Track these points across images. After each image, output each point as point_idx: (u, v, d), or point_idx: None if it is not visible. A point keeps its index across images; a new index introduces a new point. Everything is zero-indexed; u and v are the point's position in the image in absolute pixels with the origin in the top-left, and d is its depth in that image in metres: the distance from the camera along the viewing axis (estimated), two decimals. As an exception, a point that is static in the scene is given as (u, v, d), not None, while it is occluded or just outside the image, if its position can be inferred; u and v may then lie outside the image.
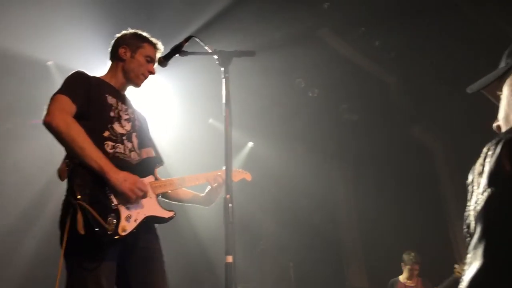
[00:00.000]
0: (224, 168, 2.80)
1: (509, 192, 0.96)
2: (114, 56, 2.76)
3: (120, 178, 2.31)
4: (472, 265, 0.99)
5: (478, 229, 1.01)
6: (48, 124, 2.32)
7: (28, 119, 5.80)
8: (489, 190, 1.01)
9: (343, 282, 8.22)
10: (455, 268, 5.79)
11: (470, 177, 1.11)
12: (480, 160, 1.08)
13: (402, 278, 6.17)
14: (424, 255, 6.30)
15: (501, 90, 1.31)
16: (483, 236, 0.99)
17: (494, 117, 1.35)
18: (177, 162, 5.05)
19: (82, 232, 2.17)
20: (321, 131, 7.86)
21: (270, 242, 7.41)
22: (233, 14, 5.67)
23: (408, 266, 6.13)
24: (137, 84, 2.78)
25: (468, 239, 1.07)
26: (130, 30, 2.82)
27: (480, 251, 0.99)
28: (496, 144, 1.05)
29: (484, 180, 1.03)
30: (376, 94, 7.31)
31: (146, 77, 2.78)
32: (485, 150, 1.09)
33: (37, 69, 5.56)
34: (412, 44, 6.34)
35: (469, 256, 1.03)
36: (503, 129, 1.26)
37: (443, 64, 6.59)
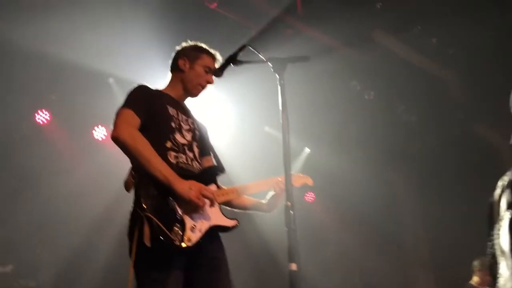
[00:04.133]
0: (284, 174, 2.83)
1: None
2: (174, 67, 2.83)
3: (185, 187, 2.36)
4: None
5: (507, 252, 1.05)
6: (115, 138, 2.40)
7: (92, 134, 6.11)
8: (508, 213, 1.06)
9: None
10: None
11: (489, 210, 1.16)
12: (497, 191, 1.14)
13: (476, 284, 5.91)
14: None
15: None
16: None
17: None
18: (235, 170, 5.10)
19: (148, 244, 2.23)
20: (379, 134, 7.69)
21: (333, 249, 7.31)
22: (285, 21, 5.69)
23: (481, 272, 5.85)
24: (195, 94, 2.83)
25: (493, 268, 1.11)
26: (190, 42, 2.89)
27: None
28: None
29: (503, 206, 1.09)
30: (435, 92, 7.08)
31: (204, 87, 2.82)
32: (500, 183, 1.15)
33: (99, 84, 5.81)
34: (470, 38, 6.09)
35: (504, 278, 1.06)
36: None
37: (504, 56, 6.29)
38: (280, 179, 2.75)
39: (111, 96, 5.76)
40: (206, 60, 2.80)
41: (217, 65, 2.81)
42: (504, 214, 1.07)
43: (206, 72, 2.79)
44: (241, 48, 2.61)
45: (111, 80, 5.96)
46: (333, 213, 7.85)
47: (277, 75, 2.40)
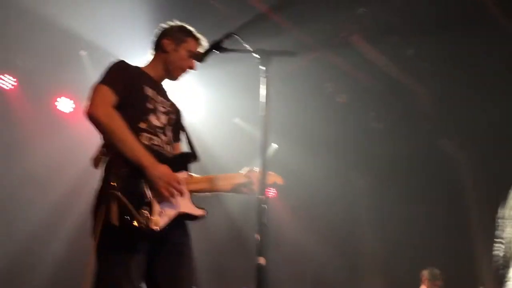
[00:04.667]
0: (256, 168, 2.82)
1: None
2: (157, 46, 2.75)
3: (157, 174, 2.29)
4: None
5: None
6: (90, 115, 2.32)
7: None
8: None
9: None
10: None
11: (501, 212, 1.16)
12: None
13: None
14: (444, 270, 6.18)
15: None
16: None
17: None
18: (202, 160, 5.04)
19: (116, 223, 2.16)
20: (347, 137, 7.79)
21: (288, 245, 7.36)
22: (267, 18, 5.66)
23: (429, 283, 6.03)
24: (175, 78, 2.76)
25: (502, 270, 1.12)
26: (177, 22, 2.81)
27: None
28: None
29: None
30: (405, 103, 7.22)
31: (185, 72, 2.76)
32: None
33: (71, 54, 5.58)
34: (444, 55, 6.25)
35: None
36: None
37: (474, 76, 6.48)
38: (253, 174, 2.74)
39: (82, 68, 5.57)
40: (191, 44, 2.73)
41: (201, 50, 2.75)
42: None
43: (189, 56, 2.72)
44: (227, 36, 2.57)
45: (83, 53, 5.76)
46: (292, 210, 7.91)
47: (262, 67, 2.38)
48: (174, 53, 2.70)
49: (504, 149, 7.09)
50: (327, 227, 7.82)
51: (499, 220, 1.13)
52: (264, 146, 2.29)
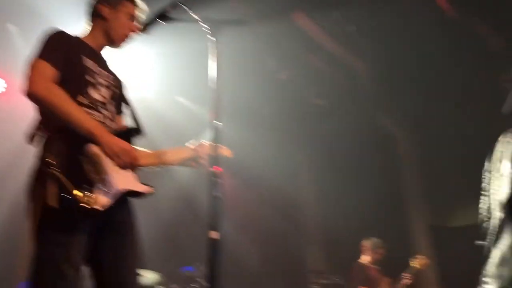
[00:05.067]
0: (204, 142, 2.75)
1: None
2: (94, 14, 2.57)
3: (110, 141, 2.18)
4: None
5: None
6: (30, 94, 2.17)
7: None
8: None
9: (303, 265, 8.31)
10: (412, 261, 5.95)
11: (487, 164, 1.18)
12: (498, 147, 1.15)
13: (367, 262, 6.21)
14: (382, 240, 6.39)
15: None
16: None
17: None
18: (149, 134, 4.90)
19: (55, 204, 2.01)
20: (287, 113, 7.84)
21: (236, 221, 7.38)
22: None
23: (371, 251, 6.20)
24: (118, 45, 2.60)
25: (487, 221, 1.15)
26: None
27: None
28: None
29: (507, 163, 1.10)
30: (346, 80, 7.33)
31: (128, 37, 2.60)
32: (501, 138, 1.16)
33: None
34: (385, 31, 6.35)
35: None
36: None
37: (413, 52, 6.64)
38: (200, 147, 2.67)
39: (10, 43, 5.17)
40: (129, 7, 2.56)
41: (141, 14, 2.59)
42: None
43: (130, 20, 2.56)
44: (173, 5, 2.45)
45: (11, 27, 5.34)
46: (238, 185, 7.92)
47: (211, 37, 2.29)
48: (113, 19, 2.53)
49: (440, 127, 7.40)
50: (273, 202, 7.89)
51: (485, 174, 1.15)
52: (214, 120, 2.22)
